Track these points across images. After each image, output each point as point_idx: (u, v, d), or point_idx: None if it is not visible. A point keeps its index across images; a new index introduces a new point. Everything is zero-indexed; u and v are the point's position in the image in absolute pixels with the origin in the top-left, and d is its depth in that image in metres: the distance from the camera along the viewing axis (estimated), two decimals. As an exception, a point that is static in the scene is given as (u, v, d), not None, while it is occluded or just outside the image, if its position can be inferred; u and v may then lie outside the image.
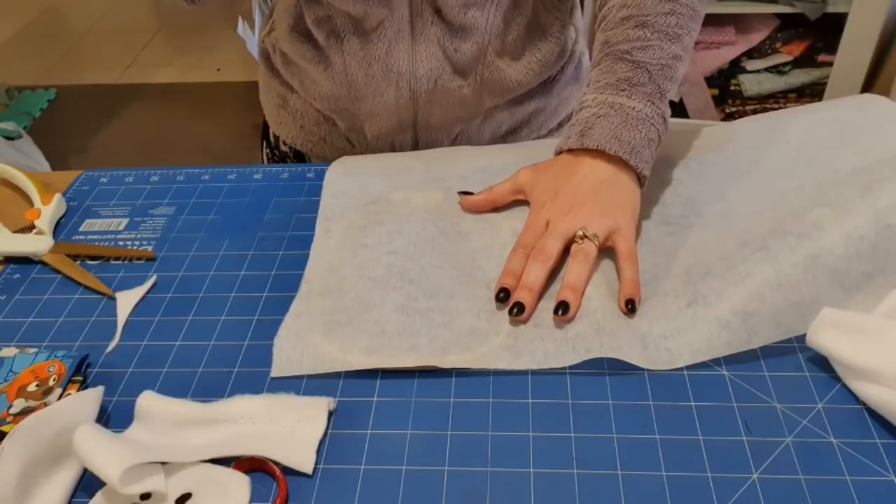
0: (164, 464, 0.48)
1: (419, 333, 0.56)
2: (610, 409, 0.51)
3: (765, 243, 0.55)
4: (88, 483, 0.48)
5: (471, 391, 0.52)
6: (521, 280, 0.58)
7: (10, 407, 0.52)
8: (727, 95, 1.96)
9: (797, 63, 1.90)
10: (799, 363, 0.53)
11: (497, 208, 0.67)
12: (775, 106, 1.94)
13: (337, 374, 0.54)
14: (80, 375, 0.55)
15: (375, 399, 0.52)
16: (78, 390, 0.54)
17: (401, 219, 0.66)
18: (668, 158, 0.70)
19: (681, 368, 0.53)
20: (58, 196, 0.72)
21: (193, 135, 2.45)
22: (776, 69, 1.92)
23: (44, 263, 0.66)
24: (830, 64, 1.85)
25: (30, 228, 0.70)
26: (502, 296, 0.57)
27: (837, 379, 0.52)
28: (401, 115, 0.78)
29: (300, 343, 0.56)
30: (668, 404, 0.51)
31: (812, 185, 0.59)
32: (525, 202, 0.66)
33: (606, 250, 0.60)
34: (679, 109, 1.96)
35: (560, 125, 0.87)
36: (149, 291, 0.63)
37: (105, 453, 0.45)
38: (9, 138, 2.04)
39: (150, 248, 0.67)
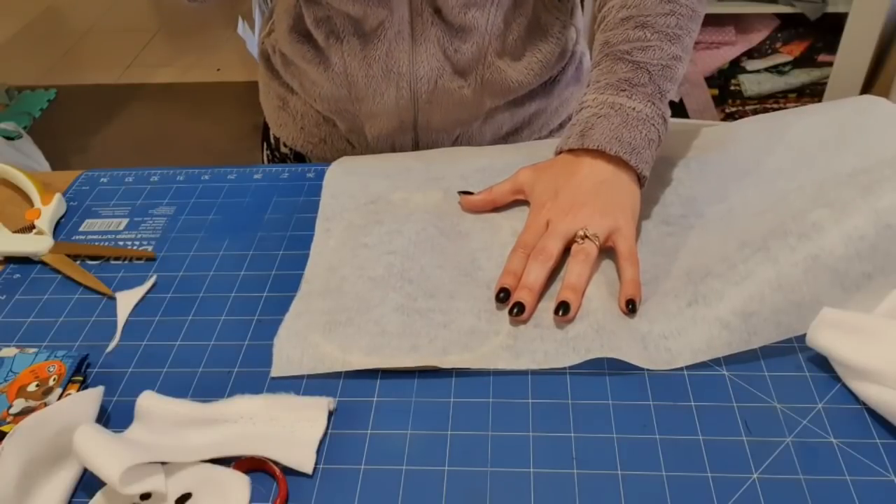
0: (164, 464, 0.48)
1: (419, 333, 0.56)
2: (610, 409, 0.51)
3: (765, 244, 0.55)
4: (88, 483, 0.48)
5: (471, 391, 0.52)
6: (521, 280, 0.58)
7: (10, 407, 0.52)
8: (727, 95, 1.96)
9: (797, 63, 1.90)
10: (799, 363, 0.53)
11: (497, 208, 0.67)
12: (775, 106, 1.94)
13: (337, 374, 0.54)
14: (80, 375, 0.55)
15: (375, 399, 0.52)
16: (78, 390, 0.54)
17: (401, 219, 0.66)
18: (668, 158, 0.70)
19: (681, 368, 0.53)
20: (58, 196, 0.72)
21: (193, 135, 2.45)
22: (776, 69, 1.92)
23: (44, 263, 0.67)
24: (830, 64, 1.85)
25: (30, 228, 0.70)
26: (502, 296, 0.57)
27: (837, 379, 0.52)
28: (401, 116, 0.78)
29: (300, 343, 0.56)
30: (668, 404, 0.51)
31: (812, 186, 0.59)
32: (525, 202, 0.66)
33: (606, 250, 0.60)
34: (679, 109, 1.96)
35: (561, 126, 0.87)
36: (149, 291, 0.63)
37: (105, 453, 0.45)
38: (9, 138, 2.04)
39: (150, 248, 0.67)
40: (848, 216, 0.53)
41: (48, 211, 0.70)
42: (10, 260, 0.67)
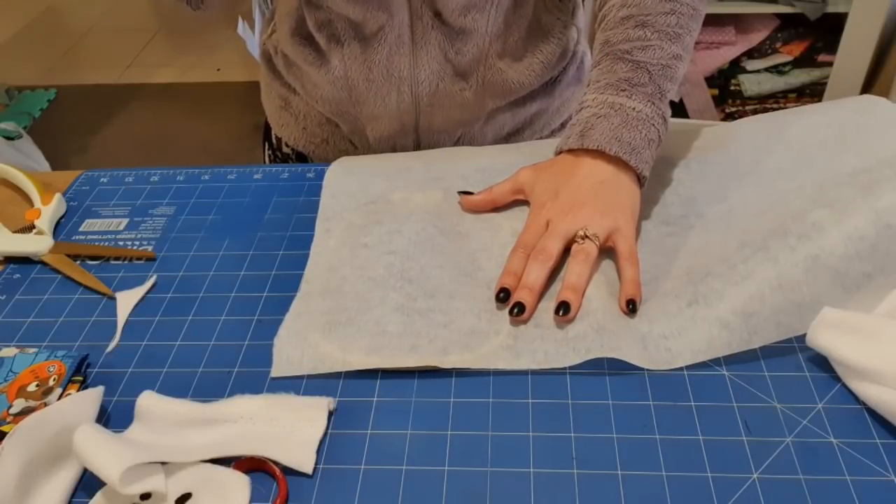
0: (164, 464, 0.48)
1: (419, 333, 0.56)
2: (610, 409, 0.51)
3: (765, 244, 0.55)
4: (88, 483, 0.48)
5: (471, 391, 0.52)
6: (521, 280, 0.58)
7: (10, 407, 0.52)
8: (727, 95, 1.96)
9: (797, 63, 1.90)
10: (799, 363, 0.53)
11: (497, 208, 0.67)
12: (775, 106, 1.94)
13: (337, 374, 0.54)
14: (80, 375, 0.55)
15: (375, 399, 0.52)
16: (78, 390, 0.54)
17: (401, 219, 0.66)
18: (668, 158, 0.70)
19: (681, 368, 0.53)
20: (58, 196, 0.72)
21: (193, 135, 2.45)
22: (776, 69, 1.92)
23: (44, 263, 0.67)
24: (830, 64, 1.85)
25: (30, 228, 0.70)
26: (502, 296, 0.57)
27: (837, 379, 0.52)
28: (402, 119, 0.78)
29: (300, 343, 0.56)
30: (668, 404, 0.51)
31: (812, 186, 0.59)
32: (525, 202, 0.66)
33: (606, 250, 0.60)
34: (679, 109, 1.96)
35: (563, 125, 0.87)
36: (149, 291, 0.63)
37: (105, 453, 0.45)
38: (9, 138, 2.04)
39: (150, 248, 0.67)
40: (848, 216, 0.53)
41: (48, 211, 0.70)
42: (10, 260, 0.67)
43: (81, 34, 3.08)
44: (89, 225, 0.71)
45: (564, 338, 0.55)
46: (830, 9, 1.78)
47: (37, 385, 0.53)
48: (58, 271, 0.65)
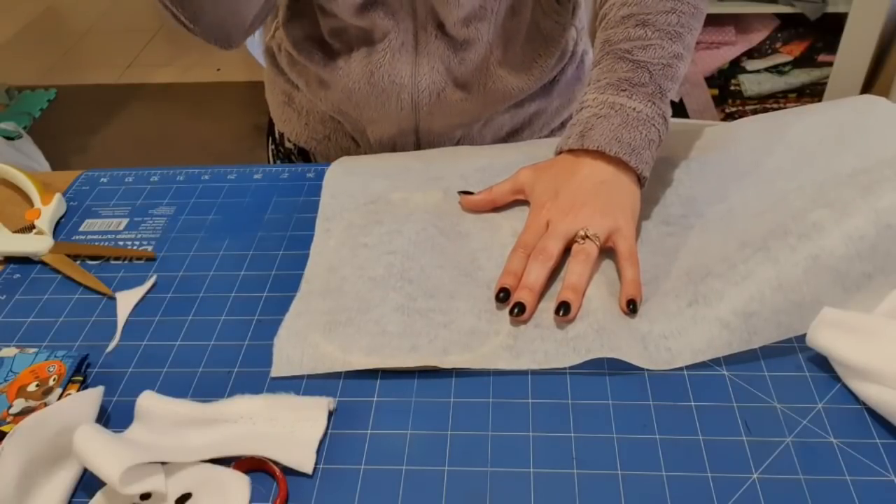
0: (164, 464, 0.48)
1: (419, 333, 0.56)
2: (610, 409, 0.51)
3: (765, 244, 0.55)
4: (88, 483, 0.48)
5: (471, 391, 0.52)
6: (521, 280, 0.58)
7: (10, 407, 0.52)
8: (727, 95, 1.96)
9: (797, 63, 1.90)
10: (799, 363, 0.53)
11: (497, 208, 0.67)
12: (775, 106, 1.94)
13: (337, 374, 0.54)
14: (80, 375, 0.55)
15: (375, 399, 0.52)
16: (78, 390, 0.54)
17: (401, 219, 0.66)
18: (668, 158, 0.70)
19: (681, 368, 0.53)
20: (58, 196, 0.72)
21: (193, 135, 2.45)
22: (776, 69, 1.92)
23: (44, 263, 0.67)
24: (830, 64, 1.85)
25: (30, 228, 0.70)
26: (502, 296, 0.57)
27: (837, 379, 0.52)
28: (401, 124, 0.78)
29: (300, 343, 0.56)
30: (668, 404, 0.51)
31: (812, 186, 0.59)
32: (525, 202, 0.66)
33: (606, 251, 0.60)
34: (679, 109, 1.96)
35: (562, 125, 0.87)
36: (149, 291, 0.63)
37: (105, 453, 0.45)
38: (9, 138, 2.04)
39: (150, 248, 0.67)
40: (848, 216, 0.53)
41: (48, 211, 0.70)
42: (10, 260, 0.67)
43: (81, 34, 3.08)
44: (89, 225, 0.71)
45: (564, 338, 0.55)
46: (830, 9, 1.78)
47: (37, 385, 0.53)
48: (58, 271, 0.65)
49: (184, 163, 0.80)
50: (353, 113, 0.78)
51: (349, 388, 0.53)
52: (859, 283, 0.52)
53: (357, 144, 0.84)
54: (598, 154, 0.62)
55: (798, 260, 0.53)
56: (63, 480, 0.48)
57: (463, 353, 0.54)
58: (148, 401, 0.51)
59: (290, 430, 0.50)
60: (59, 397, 0.53)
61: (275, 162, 0.93)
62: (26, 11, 3.19)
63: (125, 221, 0.71)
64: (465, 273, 0.61)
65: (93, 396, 0.51)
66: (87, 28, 3.12)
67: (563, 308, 0.55)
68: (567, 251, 0.60)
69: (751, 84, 1.92)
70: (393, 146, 0.81)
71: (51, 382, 0.53)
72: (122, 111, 2.59)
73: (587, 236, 0.58)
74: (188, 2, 0.62)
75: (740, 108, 1.96)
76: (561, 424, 0.50)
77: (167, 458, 0.48)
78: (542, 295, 0.58)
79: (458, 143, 0.81)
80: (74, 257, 0.66)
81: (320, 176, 0.73)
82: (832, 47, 1.82)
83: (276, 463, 0.48)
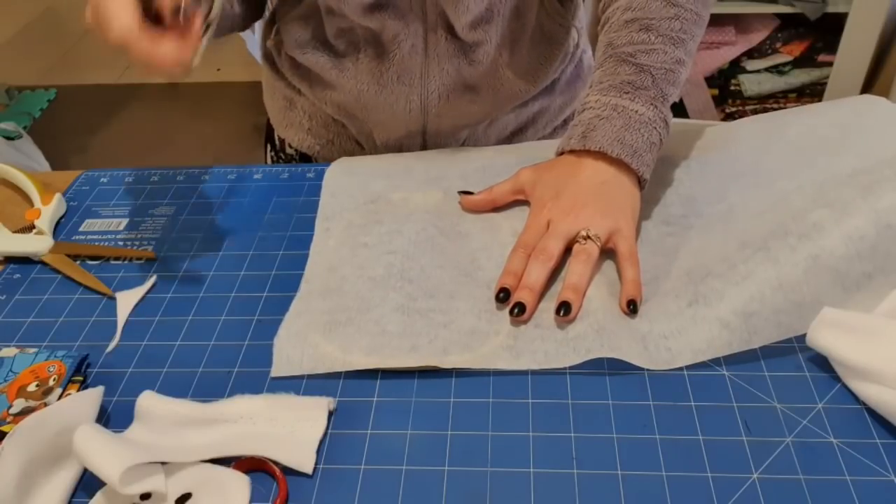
0: (164, 464, 0.48)
1: (419, 333, 0.56)
2: (610, 409, 0.51)
3: (765, 244, 0.55)
4: (88, 483, 0.48)
5: (471, 391, 0.52)
6: (521, 280, 0.58)
7: (10, 407, 0.52)
8: (727, 95, 1.96)
9: (797, 63, 1.90)
10: (799, 363, 0.53)
11: (497, 208, 0.67)
12: (775, 106, 1.94)
13: (337, 374, 0.54)
14: (80, 375, 0.55)
15: (375, 399, 0.52)
16: (78, 390, 0.54)
17: (400, 218, 0.66)
18: (668, 158, 0.70)
19: (681, 368, 0.53)
20: (58, 196, 0.72)
21: (193, 135, 2.45)
22: (776, 69, 1.92)
23: (44, 263, 0.66)
24: (830, 64, 1.85)
25: (30, 228, 0.70)
26: (502, 296, 0.57)
27: (837, 379, 0.52)
28: (409, 126, 0.78)
29: (300, 343, 0.56)
30: (668, 404, 0.51)
31: (812, 186, 0.59)
32: (525, 202, 0.66)
33: (606, 251, 0.60)
34: (679, 109, 1.96)
35: (565, 122, 0.87)
36: (149, 291, 0.63)
37: (105, 453, 0.45)
38: (9, 138, 2.04)
39: (150, 248, 0.67)
40: (848, 216, 0.53)
41: (48, 211, 0.70)
42: (10, 260, 0.67)
43: (81, 34, 3.08)
44: (89, 225, 0.71)
45: (564, 338, 0.55)
46: (830, 9, 1.78)
47: (37, 385, 0.53)
48: (58, 271, 0.65)
49: (184, 163, 0.80)
50: (361, 115, 0.78)
51: (349, 388, 0.53)
52: (859, 283, 0.52)
53: (361, 147, 0.83)
54: (600, 155, 0.62)
55: (798, 260, 0.53)
56: (63, 480, 0.48)
57: (463, 353, 0.54)
58: (148, 401, 0.51)
59: (290, 430, 0.50)
60: (59, 397, 0.53)
61: None
62: (26, 11, 3.19)
63: (125, 221, 0.71)
64: (465, 273, 0.61)
65: (93, 396, 0.51)
66: (87, 28, 3.11)
67: (564, 308, 0.55)
68: (567, 251, 0.60)
69: (751, 84, 1.92)
70: (399, 148, 0.81)
71: (51, 382, 0.53)
72: (122, 111, 2.59)
73: (588, 237, 0.59)
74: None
75: (740, 108, 1.96)
76: (561, 424, 0.50)
77: (167, 458, 0.48)
78: (542, 295, 0.58)
79: (463, 144, 0.81)
80: (74, 257, 0.66)
81: (320, 176, 0.73)
82: (832, 47, 1.82)
83: (276, 463, 0.48)
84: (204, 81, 2.72)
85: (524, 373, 0.53)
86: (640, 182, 0.62)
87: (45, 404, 0.52)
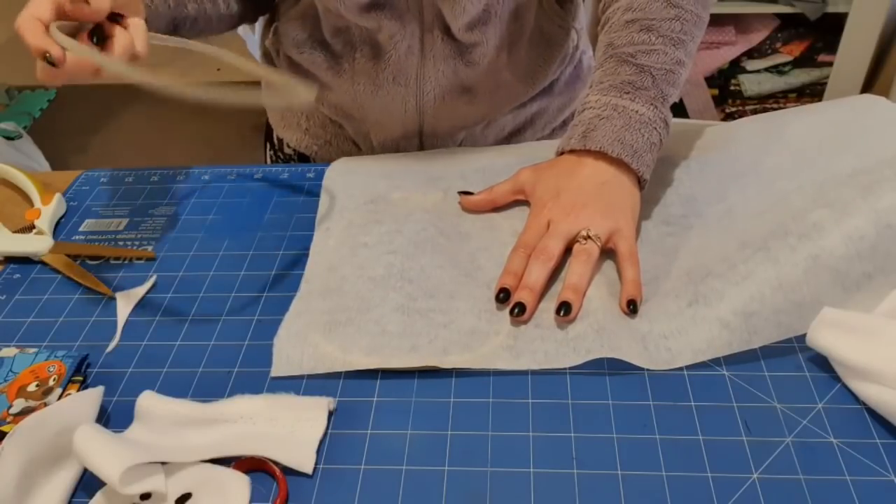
0: (164, 464, 0.48)
1: (419, 333, 0.56)
2: (610, 409, 0.51)
3: (765, 244, 0.55)
4: (88, 483, 0.48)
5: (471, 391, 0.52)
6: (521, 280, 0.58)
7: (10, 407, 0.52)
8: (727, 95, 1.96)
9: (797, 63, 1.90)
10: (799, 363, 0.53)
11: (497, 208, 0.67)
12: (775, 106, 1.94)
13: (337, 374, 0.54)
14: (80, 375, 0.55)
15: (375, 399, 0.52)
16: (78, 390, 0.54)
17: (400, 218, 0.66)
18: (668, 158, 0.70)
19: (681, 368, 0.53)
20: (58, 196, 0.72)
21: (193, 135, 2.45)
22: (776, 69, 1.92)
23: (44, 263, 0.66)
24: (830, 64, 1.85)
25: (30, 228, 0.70)
26: (502, 296, 0.57)
27: (837, 379, 0.52)
28: (406, 126, 0.78)
29: (300, 343, 0.56)
30: (668, 404, 0.51)
31: (812, 186, 0.59)
32: (525, 202, 0.66)
33: (606, 251, 0.60)
34: (679, 109, 1.96)
35: (564, 123, 0.87)
36: (149, 291, 0.63)
37: (105, 453, 0.45)
38: (9, 138, 2.04)
39: (150, 248, 0.67)
40: (848, 216, 0.53)
41: (48, 211, 0.70)
42: (10, 260, 0.67)
43: (81, 34, 3.08)
44: (89, 225, 0.71)
45: (565, 338, 0.55)
46: (830, 9, 1.78)
47: (37, 385, 0.53)
48: (58, 271, 0.65)
49: (184, 163, 0.80)
50: (357, 115, 0.78)
51: (349, 388, 0.53)
52: (859, 283, 0.52)
53: (359, 148, 0.84)
54: (601, 155, 0.62)
55: (798, 260, 0.53)
56: (63, 480, 0.48)
57: (463, 353, 0.54)
58: (148, 401, 0.51)
59: (290, 430, 0.50)
60: (59, 397, 0.53)
61: None
62: (26, 11, 3.19)
63: (125, 221, 0.71)
64: (465, 273, 0.61)
65: (93, 396, 0.51)
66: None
67: (564, 308, 0.55)
68: (567, 251, 0.60)
69: (751, 84, 1.92)
70: (396, 149, 0.81)
71: (51, 382, 0.53)
72: (122, 111, 2.58)
73: (589, 237, 0.59)
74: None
75: (740, 108, 1.96)
76: (561, 424, 0.50)
77: (167, 458, 0.48)
78: (542, 295, 0.58)
79: (460, 145, 0.81)
80: (74, 257, 0.66)
81: (320, 176, 0.73)
82: (832, 47, 1.82)
83: (276, 463, 0.48)
84: (204, 81, 2.72)
85: (524, 373, 0.53)
86: (641, 182, 0.63)
87: (45, 404, 0.52)
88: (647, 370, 0.52)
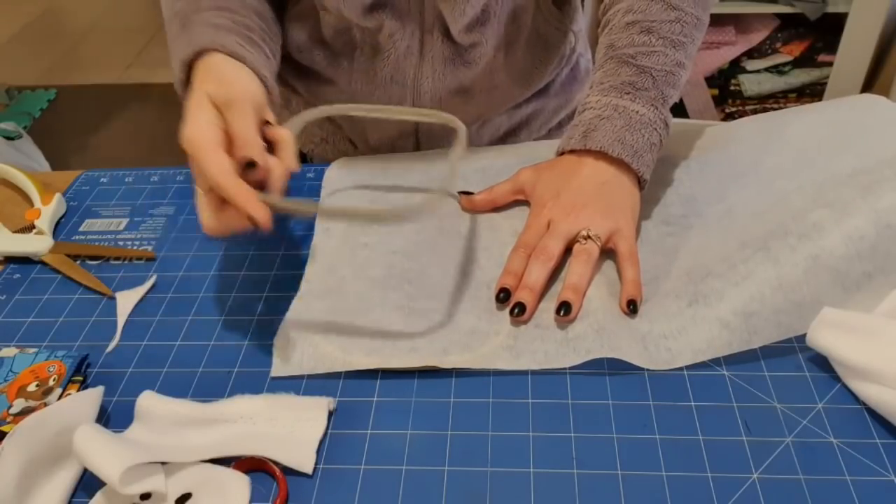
0: (164, 464, 0.48)
1: (419, 334, 0.56)
2: (610, 409, 0.51)
3: (765, 244, 0.55)
4: (88, 483, 0.48)
5: (471, 391, 0.52)
6: (521, 280, 0.58)
7: (10, 407, 0.52)
8: (727, 95, 1.96)
9: (797, 63, 1.90)
10: (799, 363, 0.53)
11: (497, 208, 0.67)
12: (775, 106, 1.94)
13: (337, 374, 0.54)
14: (80, 375, 0.55)
15: (375, 399, 0.52)
16: (78, 390, 0.54)
17: (401, 219, 0.66)
18: (668, 158, 0.70)
19: (681, 368, 0.53)
20: (58, 196, 0.72)
21: (193, 135, 2.45)
22: (776, 69, 1.92)
23: (44, 263, 0.67)
24: (830, 64, 1.85)
25: (30, 228, 0.70)
26: (502, 296, 0.57)
27: (837, 379, 0.52)
28: (402, 126, 0.78)
29: (300, 343, 0.56)
30: (668, 404, 0.51)
31: (812, 186, 0.59)
32: (525, 202, 0.66)
33: (607, 251, 0.60)
34: (679, 109, 1.96)
35: (559, 125, 0.87)
36: (149, 291, 0.63)
37: (105, 453, 0.45)
38: (9, 138, 2.04)
39: (150, 248, 0.67)
40: (848, 216, 0.53)
41: (48, 211, 0.70)
42: (10, 260, 0.67)
43: (81, 34, 3.08)
44: (89, 225, 0.71)
45: (565, 338, 0.55)
46: (830, 9, 1.78)
47: (37, 385, 0.53)
48: (58, 271, 0.65)
49: (184, 163, 0.80)
50: (354, 114, 0.78)
51: (349, 388, 0.53)
52: (859, 283, 0.52)
53: (355, 147, 0.84)
54: (601, 155, 0.62)
55: (798, 260, 0.53)
56: (63, 480, 0.48)
57: (463, 353, 0.54)
58: (148, 401, 0.51)
59: (290, 430, 0.50)
60: (59, 397, 0.53)
61: None
62: (26, 11, 3.20)
63: (125, 221, 0.71)
64: (465, 273, 0.61)
65: (93, 396, 0.51)
66: (87, 28, 3.12)
67: (564, 308, 0.55)
68: (567, 251, 0.60)
69: (751, 84, 1.92)
70: (392, 148, 0.81)
71: (51, 382, 0.53)
72: (122, 111, 2.59)
73: (589, 237, 0.59)
74: None
75: (740, 108, 1.96)
76: (561, 424, 0.50)
77: (167, 458, 0.48)
78: (542, 295, 0.58)
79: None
80: (74, 257, 0.66)
81: (320, 176, 0.73)
82: (832, 47, 1.82)
83: (276, 463, 0.48)
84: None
85: (524, 373, 0.53)
86: (641, 182, 0.63)
87: (45, 404, 0.52)
88: (647, 370, 0.52)
